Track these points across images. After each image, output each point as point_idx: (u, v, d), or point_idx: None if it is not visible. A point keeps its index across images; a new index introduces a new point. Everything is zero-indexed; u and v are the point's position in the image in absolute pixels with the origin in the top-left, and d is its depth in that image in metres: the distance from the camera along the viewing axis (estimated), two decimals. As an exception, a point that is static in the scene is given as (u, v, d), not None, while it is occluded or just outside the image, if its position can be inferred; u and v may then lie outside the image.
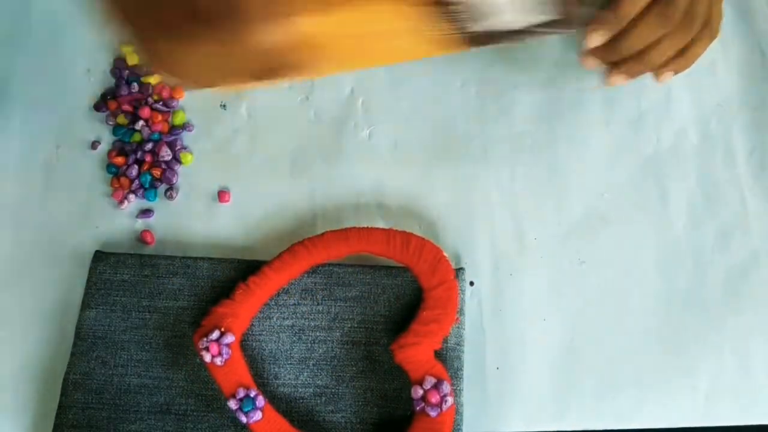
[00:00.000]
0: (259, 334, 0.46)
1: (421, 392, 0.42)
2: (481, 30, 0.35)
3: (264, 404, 0.43)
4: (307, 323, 0.46)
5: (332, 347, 0.45)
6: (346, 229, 0.46)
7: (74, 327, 0.46)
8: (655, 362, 0.45)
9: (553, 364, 0.46)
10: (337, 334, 0.45)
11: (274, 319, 0.46)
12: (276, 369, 0.45)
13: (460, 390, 0.44)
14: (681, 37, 0.43)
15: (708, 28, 0.44)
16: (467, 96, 0.52)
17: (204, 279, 0.47)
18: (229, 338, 0.43)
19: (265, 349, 0.45)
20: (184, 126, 0.53)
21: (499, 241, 0.49)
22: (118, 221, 0.50)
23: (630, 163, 0.50)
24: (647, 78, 0.45)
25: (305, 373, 0.45)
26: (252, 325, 0.46)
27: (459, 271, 0.46)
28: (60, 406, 0.44)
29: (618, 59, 0.44)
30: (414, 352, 0.43)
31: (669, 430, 0.44)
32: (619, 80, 0.45)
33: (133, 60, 0.54)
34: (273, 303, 0.46)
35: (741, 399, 0.45)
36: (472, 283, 0.48)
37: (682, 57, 0.44)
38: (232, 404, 0.42)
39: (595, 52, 0.44)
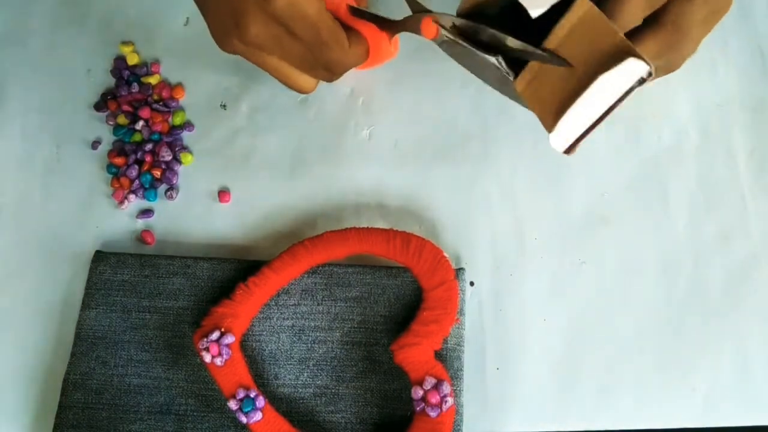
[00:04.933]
0: (259, 335, 0.46)
1: (421, 393, 0.42)
2: None
3: (264, 405, 0.43)
4: (307, 323, 0.46)
5: (332, 347, 0.45)
6: (346, 230, 0.46)
7: (74, 327, 0.46)
8: (655, 362, 0.45)
9: (553, 365, 0.46)
10: (337, 334, 0.45)
11: (274, 319, 0.46)
12: (276, 369, 0.45)
13: (460, 390, 0.44)
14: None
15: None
16: (467, 96, 0.52)
17: (204, 279, 0.47)
18: (229, 338, 0.43)
19: (265, 350, 0.45)
20: (184, 126, 0.53)
21: (499, 241, 0.49)
22: (118, 221, 0.50)
23: (630, 163, 0.50)
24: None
25: (305, 374, 0.45)
26: (252, 325, 0.46)
27: (459, 271, 0.46)
28: (60, 406, 0.44)
29: None
30: (414, 353, 0.43)
31: (669, 431, 0.44)
32: None
33: (133, 60, 0.54)
34: (273, 303, 0.46)
35: (740, 399, 0.45)
36: (472, 284, 0.48)
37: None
38: (232, 404, 0.42)
39: None
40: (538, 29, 0.38)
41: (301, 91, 0.47)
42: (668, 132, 0.51)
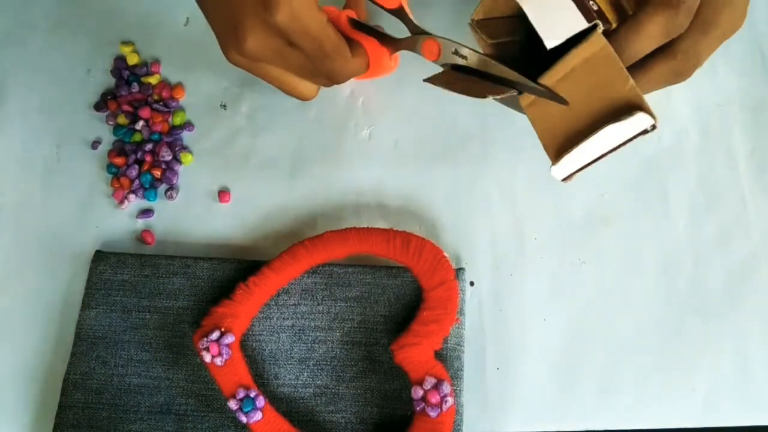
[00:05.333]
0: (259, 335, 0.46)
1: (421, 392, 0.42)
2: None
3: (264, 404, 0.43)
4: (307, 323, 0.46)
5: (332, 347, 0.45)
6: (346, 230, 0.46)
7: (74, 327, 0.46)
8: (655, 362, 0.45)
9: (553, 365, 0.46)
10: (338, 334, 0.45)
11: (274, 319, 0.46)
12: (276, 369, 0.45)
13: (460, 390, 0.44)
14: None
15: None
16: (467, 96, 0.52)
17: (204, 279, 0.47)
18: (229, 338, 0.43)
19: (265, 350, 0.45)
20: (184, 126, 0.53)
21: (499, 241, 0.49)
22: (118, 221, 0.50)
23: (630, 163, 0.50)
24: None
25: (305, 374, 0.45)
26: (252, 325, 0.46)
27: (459, 271, 0.46)
28: (60, 406, 0.44)
29: None
30: (414, 353, 0.43)
31: (669, 431, 0.44)
32: None
33: (133, 60, 0.54)
34: (273, 303, 0.46)
35: (740, 399, 0.45)
36: (472, 283, 0.48)
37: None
38: (232, 404, 0.42)
39: None
40: (549, 55, 0.38)
41: (302, 98, 0.47)
42: (668, 132, 0.51)
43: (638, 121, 0.36)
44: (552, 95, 0.38)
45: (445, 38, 0.42)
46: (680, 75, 0.42)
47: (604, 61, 0.37)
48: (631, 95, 0.36)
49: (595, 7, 0.38)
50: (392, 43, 0.45)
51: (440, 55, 0.42)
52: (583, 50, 0.37)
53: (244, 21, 0.39)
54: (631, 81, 0.36)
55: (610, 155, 0.38)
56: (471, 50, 0.40)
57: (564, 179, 0.39)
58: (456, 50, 0.41)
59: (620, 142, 0.37)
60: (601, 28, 0.37)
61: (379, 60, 0.46)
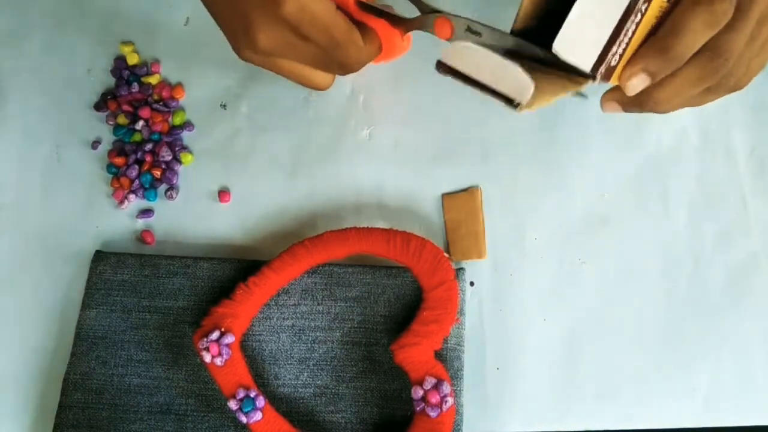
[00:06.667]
0: (259, 335, 0.46)
1: (421, 392, 0.42)
2: None
3: (264, 404, 0.43)
4: (307, 323, 0.46)
5: (332, 347, 0.45)
6: (346, 229, 0.46)
7: (74, 327, 0.46)
8: (655, 362, 0.45)
9: (553, 365, 0.46)
10: (338, 334, 0.45)
11: (274, 319, 0.46)
12: (276, 369, 0.45)
13: (460, 390, 0.44)
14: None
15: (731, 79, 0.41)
16: (467, 96, 0.52)
17: (204, 279, 0.47)
18: (229, 338, 0.43)
19: (265, 350, 0.45)
20: (184, 126, 0.53)
21: (499, 241, 0.49)
22: (118, 221, 0.50)
23: (630, 163, 0.50)
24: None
25: (305, 374, 0.45)
26: (252, 325, 0.46)
27: (459, 271, 0.46)
28: (60, 406, 0.44)
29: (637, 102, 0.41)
30: (414, 353, 0.43)
31: (669, 431, 0.44)
32: (616, 109, 0.42)
33: (133, 60, 0.54)
34: (273, 303, 0.46)
35: (740, 399, 0.45)
36: (472, 283, 0.48)
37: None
38: (232, 404, 0.42)
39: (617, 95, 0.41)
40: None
41: (319, 89, 0.46)
42: (668, 132, 0.51)
43: (522, 84, 0.35)
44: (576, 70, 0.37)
45: (456, 15, 0.41)
46: (716, 72, 0.39)
47: (568, 85, 0.37)
48: (538, 100, 0.36)
49: (614, 63, 0.37)
50: (403, 24, 0.43)
51: (453, 34, 0.41)
52: (568, 77, 0.37)
53: (253, 18, 0.39)
54: (555, 99, 0.36)
55: (480, 93, 0.37)
56: (484, 26, 0.39)
57: (440, 66, 0.38)
58: (469, 27, 0.40)
59: (496, 87, 0.37)
60: (594, 82, 0.37)
61: (392, 41, 0.45)
